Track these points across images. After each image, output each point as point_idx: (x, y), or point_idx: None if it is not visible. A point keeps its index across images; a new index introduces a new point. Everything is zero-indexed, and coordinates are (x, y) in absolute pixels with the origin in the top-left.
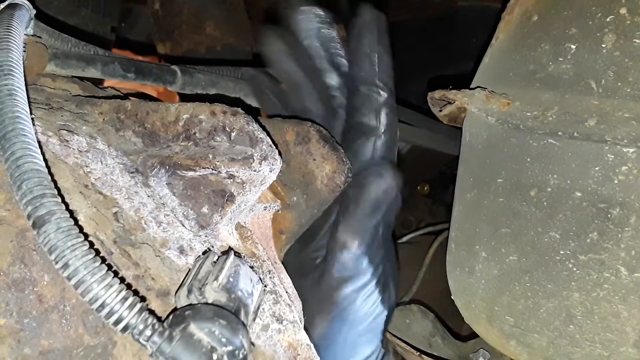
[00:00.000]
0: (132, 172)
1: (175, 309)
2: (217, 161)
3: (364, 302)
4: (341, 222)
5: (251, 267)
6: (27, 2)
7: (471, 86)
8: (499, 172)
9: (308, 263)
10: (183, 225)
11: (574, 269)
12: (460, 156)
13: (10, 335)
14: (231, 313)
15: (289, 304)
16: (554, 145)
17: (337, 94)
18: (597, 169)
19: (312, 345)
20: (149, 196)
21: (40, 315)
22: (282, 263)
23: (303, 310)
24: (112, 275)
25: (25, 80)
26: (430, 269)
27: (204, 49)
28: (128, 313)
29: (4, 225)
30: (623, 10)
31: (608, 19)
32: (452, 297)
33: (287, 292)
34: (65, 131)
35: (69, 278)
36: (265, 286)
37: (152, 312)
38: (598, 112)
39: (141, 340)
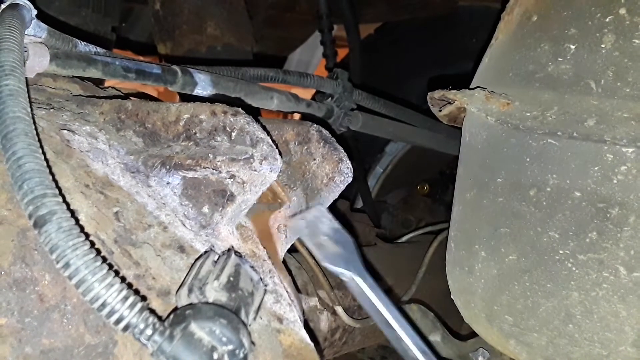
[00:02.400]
0: (133, 172)
1: (176, 308)
2: (218, 161)
3: None
4: None
5: (252, 267)
6: (28, 2)
7: (471, 86)
8: (499, 172)
9: None
10: (184, 225)
11: (573, 269)
12: (460, 156)
13: (12, 334)
14: (232, 312)
15: (289, 304)
16: (554, 145)
17: None
18: (596, 168)
19: (312, 344)
20: (149, 196)
21: (42, 314)
22: (283, 262)
23: None
24: (113, 274)
25: (27, 80)
26: (430, 268)
27: (205, 48)
28: (129, 312)
29: (5, 225)
30: (622, 11)
31: (607, 20)
32: (452, 297)
33: (287, 291)
34: (66, 131)
35: (70, 277)
36: (266, 285)
37: (152, 311)
38: (597, 112)
39: (142, 339)
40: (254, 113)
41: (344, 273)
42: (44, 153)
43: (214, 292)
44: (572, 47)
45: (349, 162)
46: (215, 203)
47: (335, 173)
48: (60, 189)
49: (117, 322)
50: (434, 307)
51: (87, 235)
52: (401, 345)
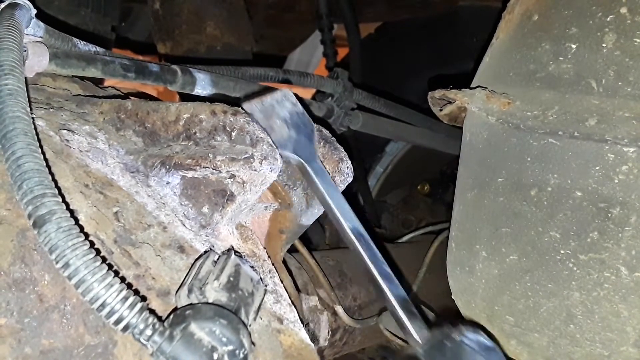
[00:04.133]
0: (132, 172)
1: (175, 309)
2: (218, 161)
3: None
4: None
5: (252, 267)
6: (28, 2)
7: (471, 85)
8: (500, 172)
9: None
10: (184, 225)
11: (575, 269)
12: (460, 156)
13: (11, 334)
14: (232, 312)
15: (289, 304)
16: (555, 144)
17: None
18: (597, 168)
19: (312, 345)
20: (149, 196)
21: (41, 314)
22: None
23: None
24: (113, 274)
25: (26, 79)
26: (430, 268)
27: (204, 48)
28: (128, 313)
29: (4, 225)
30: (623, 10)
31: (608, 19)
32: (453, 297)
33: (287, 291)
34: (65, 131)
35: (69, 278)
36: (266, 286)
37: (152, 311)
38: (598, 111)
39: (142, 339)
40: None
41: (290, 157)
42: (43, 153)
43: (214, 293)
44: (573, 46)
45: (349, 161)
46: (215, 203)
47: (336, 173)
48: (59, 189)
49: (117, 322)
50: (435, 307)
51: (86, 235)
52: (345, 234)
